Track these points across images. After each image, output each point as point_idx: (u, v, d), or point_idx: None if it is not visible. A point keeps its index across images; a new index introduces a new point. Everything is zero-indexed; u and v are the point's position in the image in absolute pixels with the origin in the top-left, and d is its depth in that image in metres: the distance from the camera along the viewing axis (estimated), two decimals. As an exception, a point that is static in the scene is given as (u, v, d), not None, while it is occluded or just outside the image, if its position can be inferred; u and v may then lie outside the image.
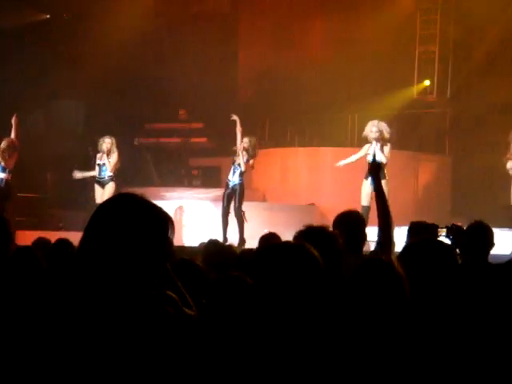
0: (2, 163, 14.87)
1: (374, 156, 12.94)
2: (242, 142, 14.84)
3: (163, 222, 2.73)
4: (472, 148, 17.65)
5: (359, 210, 13.41)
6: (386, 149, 14.04)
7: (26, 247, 5.79)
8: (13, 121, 14.85)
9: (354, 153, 14.78)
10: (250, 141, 14.80)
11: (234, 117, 15.13)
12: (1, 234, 2.59)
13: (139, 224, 2.67)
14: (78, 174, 15.44)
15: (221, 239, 8.91)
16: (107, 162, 15.03)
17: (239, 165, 14.71)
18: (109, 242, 2.65)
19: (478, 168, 16.95)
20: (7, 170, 14.91)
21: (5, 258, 4.89)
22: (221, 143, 17.18)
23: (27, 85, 17.46)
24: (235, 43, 20.61)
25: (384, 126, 14.12)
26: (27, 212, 16.65)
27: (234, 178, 14.75)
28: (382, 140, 14.03)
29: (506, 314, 3.79)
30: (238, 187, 14.68)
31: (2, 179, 14.87)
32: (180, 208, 17.04)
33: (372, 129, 14.06)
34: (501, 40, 18.20)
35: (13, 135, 14.86)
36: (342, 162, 14.82)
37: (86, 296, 2.63)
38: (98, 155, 15.13)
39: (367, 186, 13.89)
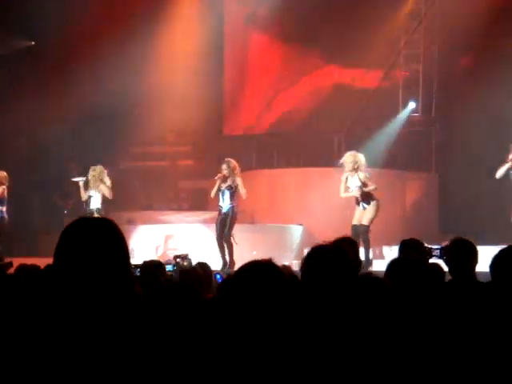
0: None
1: None
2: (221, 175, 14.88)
3: (121, 239, 2.92)
4: (458, 164, 17.66)
5: (348, 229, 13.57)
6: (361, 175, 14.15)
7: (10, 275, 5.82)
8: None
9: (341, 172, 14.83)
10: (227, 166, 14.84)
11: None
12: None
13: (98, 241, 2.85)
14: (77, 178, 15.49)
15: (210, 262, 8.88)
16: (97, 193, 15.16)
17: (228, 188, 14.73)
18: (76, 261, 2.83)
19: (465, 184, 16.94)
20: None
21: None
22: (208, 165, 17.14)
23: (12, 109, 17.50)
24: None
25: (361, 158, 14.30)
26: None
27: (225, 204, 14.77)
28: (356, 170, 14.19)
29: (486, 330, 3.79)
30: (230, 212, 14.73)
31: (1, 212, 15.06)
32: (170, 232, 17.05)
33: (348, 160, 14.25)
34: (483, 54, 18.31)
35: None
36: (345, 195, 14.71)
37: (70, 305, 2.80)
38: (83, 184, 15.25)
39: (358, 212, 14.14)
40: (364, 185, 14.08)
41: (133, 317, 2.85)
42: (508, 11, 17.35)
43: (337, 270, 3.96)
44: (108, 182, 15.24)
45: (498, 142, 14.43)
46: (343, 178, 14.29)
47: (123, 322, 2.82)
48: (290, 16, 19.45)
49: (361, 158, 14.31)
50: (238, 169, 14.91)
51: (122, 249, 2.91)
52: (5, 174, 15.19)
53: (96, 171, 15.28)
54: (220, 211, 14.82)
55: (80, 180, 15.42)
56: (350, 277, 3.91)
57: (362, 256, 13.40)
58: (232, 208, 14.72)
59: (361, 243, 13.52)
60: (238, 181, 14.72)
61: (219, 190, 14.77)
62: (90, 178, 15.26)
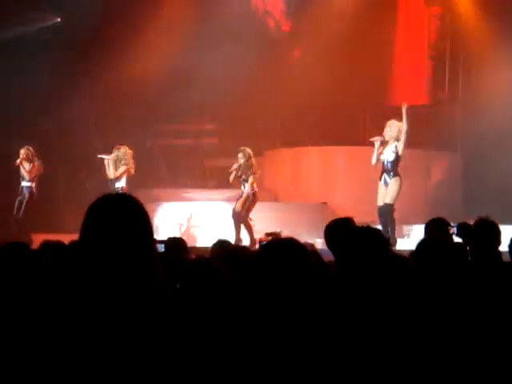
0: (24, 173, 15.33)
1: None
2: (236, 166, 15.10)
3: (144, 216, 2.95)
4: (484, 146, 17.58)
5: (373, 208, 13.52)
6: (400, 146, 13.99)
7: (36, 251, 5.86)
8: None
9: (367, 151, 14.69)
10: (243, 155, 15.00)
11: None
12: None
13: (123, 218, 2.88)
14: (103, 155, 15.58)
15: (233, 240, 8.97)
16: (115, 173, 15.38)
17: (245, 180, 14.97)
18: (109, 237, 2.86)
19: (490, 164, 16.86)
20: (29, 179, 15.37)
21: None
22: (234, 144, 17.11)
23: (43, 87, 17.56)
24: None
25: (401, 126, 14.12)
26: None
27: (245, 189, 15.05)
28: (397, 140, 14.04)
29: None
30: (250, 196, 14.90)
31: (29, 187, 15.35)
32: (194, 210, 17.09)
33: (393, 128, 14.06)
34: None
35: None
36: (375, 161, 14.50)
37: (97, 284, 2.83)
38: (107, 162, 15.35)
39: (381, 187, 13.91)
40: (397, 158, 13.93)
41: (156, 295, 2.87)
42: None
43: (372, 251, 3.93)
44: (130, 163, 15.28)
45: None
46: (377, 145, 14.10)
47: (146, 300, 2.84)
48: None
49: (399, 125, 14.15)
50: (252, 158, 15.09)
51: (145, 225, 2.94)
52: (31, 149, 15.32)
53: (120, 152, 15.39)
54: (241, 193, 15.06)
55: (106, 158, 15.45)
56: (382, 256, 3.91)
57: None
58: (253, 194, 14.97)
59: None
60: (250, 178, 14.93)
61: (238, 177, 15.05)
62: (114, 157, 15.34)
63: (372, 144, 14.19)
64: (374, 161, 14.03)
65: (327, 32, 18.71)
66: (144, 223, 2.93)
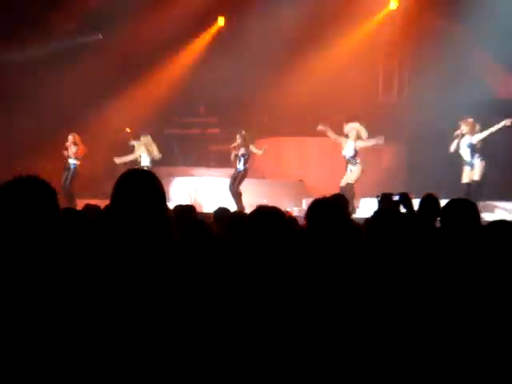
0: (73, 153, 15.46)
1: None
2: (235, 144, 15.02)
3: (162, 190, 2.98)
4: (425, 137, 17.56)
5: (338, 187, 13.63)
6: (359, 143, 14.17)
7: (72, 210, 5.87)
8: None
9: (334, 144, 14.80)
10: (240, 136, 14.96)
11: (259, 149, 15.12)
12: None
13: (150, 190, 2.93)
14: (118, 160, 15.58)
15: (230, 207, 8.93)
16: (145, 154, 15.53)
17: (242, 155, 14.86)
18: (132, 202, 2.91)
19: (430, 153, 16.85)
20: (75, 158, 15.51)
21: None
22: (231, 133, 17.08)
23: (82, 88, 17.56)
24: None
25: (359, 129, 14.27)
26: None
27: (239, 166, 14.96)
28: (357, 138, 14.19)
29: (450, 269, 3.75)
30: (242, 172, 14.87)
31: (75, 164, 15.47)
32: (200, 183, 17.09)
33: (352, 131, 14.22)
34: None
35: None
36: (324, 128, 14.61)
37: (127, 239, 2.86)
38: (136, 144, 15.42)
39: (347, 174, 14.22)
40: (356, 153, 14.10)
41: (167, 244, 2.90)
42: None
43: (335, 217, 3.92)
44: (154, 148, 15.49)
45: (453, 123, 14.32)
46: (343, 143, 14.30)
47: (159, 248, 2.86)
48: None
49: (361, 128, 14.32)
50: (248, 136, 15.07)
51: (160, 194, 2.96)
52: (78, 136, 15.49)
53: (144, 139, 15.57)
54: (235, 171, 15.02)
55: (134, 143, 15.69)
56: (343, 223, 3.91)
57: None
58: (244, 169, 14.95)
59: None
60: (251, 147, 14.91)
61: (236, 156, 14.99)
62: (140, 143, 15.51)
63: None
64: (333, 137, 14.36)
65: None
66: (159, 192, 2.96)
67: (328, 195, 4.77)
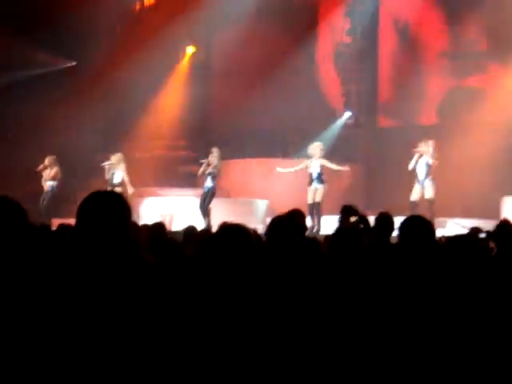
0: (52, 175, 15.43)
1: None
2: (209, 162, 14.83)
3: (127, 210, 2.89)
4: (383, 158, 17.68)
5: (301, 203, 13.65)
6: (323, 161, 14.27)
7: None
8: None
9: (297, 164, 14.92)
10: (214, 154, 14.83)
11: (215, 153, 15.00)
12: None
13: (112, 210, 2.83)
14: (104, 163, 15.55)
15: (198, 226, 8.90)
16: (118, 172, 15.33)
17: (209, 173, 14.75)
18: (96, 223, 2.81)
19: (388, 173, 16.98)
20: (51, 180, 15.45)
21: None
22: (200, 154, 17.06)
23: (59, 110, 17.47)
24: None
25: (322, 147, 14.41)
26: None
27: (207, 184, 14.84)
28: (319, 157, 14.29)
29: (401, 284, 3.76)
30: (210, 190, 14.76)
31: (53, 186, 15.41)
32: (170, 202, 16.99)
33: (316, 149, 14.31)
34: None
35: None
36: (283, 170, 14.98)
37: (89, 261, 2.77)
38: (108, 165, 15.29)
39: (310, 191, 14.23)
40: (322, 169, 14.17)
41: (131, 264, 2.81)
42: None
43: (289, 232, 3.96)
44: (123, 166, 15.32)
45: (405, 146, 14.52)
46: (304, 162, 14.39)
47: (127, 275, 2.78)
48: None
49: (321, 145, 14.42)
50: (219, 156, 15.01)
51: (124, 214, 2.87)
52: (54, 157, 15.49)
53: (116, 157, 15.41)
54: (204, 189, 14.94)
55: (106, 164, 15.51)
56: (299, 237, 3.91)
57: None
58: (213, 187, 14.84)
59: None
60: (218, 166, 14.80)
61: (203, 172, 14.87)
62: (112, 161, 15.35)
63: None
64: (299, 168, 14.37)
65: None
66: (123, 212, 2.86)
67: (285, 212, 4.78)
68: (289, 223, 4.11)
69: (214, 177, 14.86)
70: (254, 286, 3.13)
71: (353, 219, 6.37)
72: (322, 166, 14.26)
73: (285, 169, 15.01)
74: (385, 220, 6.08)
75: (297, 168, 14.72)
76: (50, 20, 17.22)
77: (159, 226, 6.60)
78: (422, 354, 3.31)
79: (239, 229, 3.31)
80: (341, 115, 19.71)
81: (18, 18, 17.52)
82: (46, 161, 15.43)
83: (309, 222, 14.39)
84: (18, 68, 17.85)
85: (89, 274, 2.71)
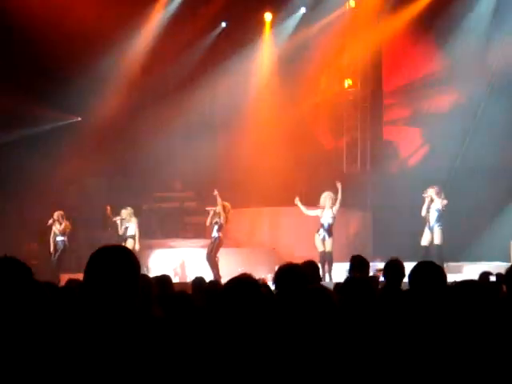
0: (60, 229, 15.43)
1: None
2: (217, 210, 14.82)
3: (137, 265, 2.85)
4: (388, 204, 17.65)
5: (309, 251, 13.62)
6: (335, 208, 14.31)
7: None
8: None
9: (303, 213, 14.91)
10: (221, 205, 14.89)
11: (215, 192, 15.08)
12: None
13: (121, 265, 2.79)
14: (116, 218, 15.67)
15: (206, 277, 8.83)
16: (131, 224, 15.50)
17: (216, 223, 14.78)
18: (105, 278, 2.78)
19: (392, 219, 16.94)
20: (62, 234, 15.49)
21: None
22: (206, 205, 17.06)
23: (64, 166, 17.55)
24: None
25: (332, 196, 14.41)
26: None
27: (213, 234, 14.85)
28: (330, 206, 14.31)
29: (411, 327, 3.71)
30: (217, 240, 14.80)
31: (64, 240, 15.46)
32: (180, 254, 16.96)
33: (327, 199, 14.33)
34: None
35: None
36: (301, 206, 14.81)
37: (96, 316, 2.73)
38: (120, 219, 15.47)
39: (318, 239, 14.31)
40: (334, 220, 14.20)
41: (141, 321, 2.78)
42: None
43: (300, 281, 3.93)
44: (135, 220, 15.54)
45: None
46: (318, 211, 14.38)
47: (134, 325, 2.74)
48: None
49: (332, 195, 14.43)
50: (227, 208, 15.03)
51: (133, 269, 2.83)
52: (62, 213, 15.53)
53: (128, 210, 15.61)
54: (211, 239, 14.98)
55: (118, 219, 15.64)
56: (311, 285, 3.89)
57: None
58: (219, 237, 14.88)
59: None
60: (222, 215, 14.81)
61: (211, 223, 14.94)
62: (124, 215, 15.52)
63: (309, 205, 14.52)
64: (311, 213, 14.27)
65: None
66: (131, 266, 2.83)
67: (294, 262, 4.74)
68: (302, 273, 4.07)
69: (219, 227, 14.92)
70: (264, 338, 3.11)
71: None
72: (334, 218, 14.31)
73: (301, 205, 14.84)
74: (395, 266, 6.04)
75: (309, 212, 14.66)
76: (54, 75, 17.43)
77: (165, 280, 6.54)
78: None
79: (247, 281, 3.30)
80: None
81: (23, 74, 17.72)
82: (55, 215, 15.49)
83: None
84: (23, 124, 17.99)
85: (98, 331, 2.66)
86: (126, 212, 15.60)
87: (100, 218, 17.22)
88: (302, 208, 14.79)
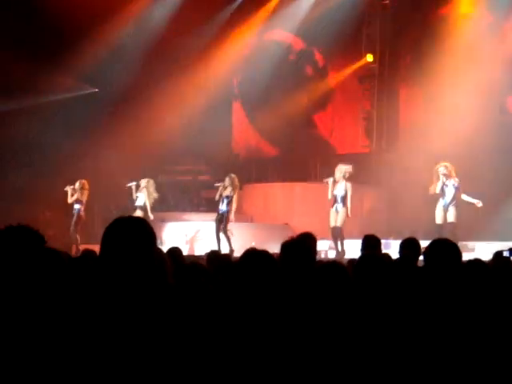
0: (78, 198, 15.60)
1: None
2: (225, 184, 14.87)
3: (153, 235, 2.84)
4: (401, 182, 17.58)
5: (323, 227, 13.62)
6: (348, 185, 14.20)
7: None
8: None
9: (319, 187, 14.89)
10: (230, 179, 14.85)
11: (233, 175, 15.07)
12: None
13: (137, 236, 2.79)
14: (129, 183, 15.87)
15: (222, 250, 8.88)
16: (142, 195, 15.62)
17: (226, 197, 14.75)
18: (121, 249, 2.77)
19: (407, 197, 16.89)
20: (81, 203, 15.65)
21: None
22: (221, 179, 17.09)
23: (81, 140, 17.60)
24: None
25: (347, 169, 14.30)
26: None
27: (222, 207, 14.80)
28: (345, 179, 14.21)
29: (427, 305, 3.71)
30: (225, 214, 14.74)
31: (79, 209, 15.56)
32: (194, 227, 17.01)
33: (343, 171, 14.24)
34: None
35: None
36: (330, 188, 14.52)
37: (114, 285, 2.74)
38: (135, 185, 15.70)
39: (333, 213, 14.20)
40: (346, 193, 14.11)
41: (157, 288, 2.80)
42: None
43: (301, 255, 4.02)
44: (155, 193, 15.45)
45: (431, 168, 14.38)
46: (330, 183, 14.27)
47: (153, 298, 2.75)
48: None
49: (347, 168, 14.29)
50: (236, 183, 15.00)
51: (149, 239, 2.83)
52: (84, 181, 15.84)
53: (145, 181, 15.82)
54: (218, 212, 14.92)
55: (132, 184, 15.81)
56: (308, 261, 4.02)
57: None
58: (228, 211, 14.79)
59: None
60: (235, 196, 14.78)
61: (220, 196, 14.87)
62: (142, 184, 15.70)
63: (320, 181, 14.41)
64: (330, 196, 14.24)
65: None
66: (147, 237, 2.83)
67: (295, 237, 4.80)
68: (300, 247, 4.13)
69: (229, 201, 14.84)
70: (279, 309, 3.14)
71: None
72: (347, 190, 14.18)
73: (331, 186, 14.50)
74: (411, 245, 6.03)
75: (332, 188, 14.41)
76: (74, 45, 17.41)
77: (176, 251, 6.53)
78: (450, 377, 3.28)
79: (262, 253, 3.35)
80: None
81: (42, 42, 17.69)
82: (77, 183, 15.65)
83: (332, 245, 14.39)
84: (39, 92, 18.00)
85: (114, 301, 2.68)
86: (144, 181, 15.71)
87: (114, 190, 17.30)
88: (330, 190, 14.49)
